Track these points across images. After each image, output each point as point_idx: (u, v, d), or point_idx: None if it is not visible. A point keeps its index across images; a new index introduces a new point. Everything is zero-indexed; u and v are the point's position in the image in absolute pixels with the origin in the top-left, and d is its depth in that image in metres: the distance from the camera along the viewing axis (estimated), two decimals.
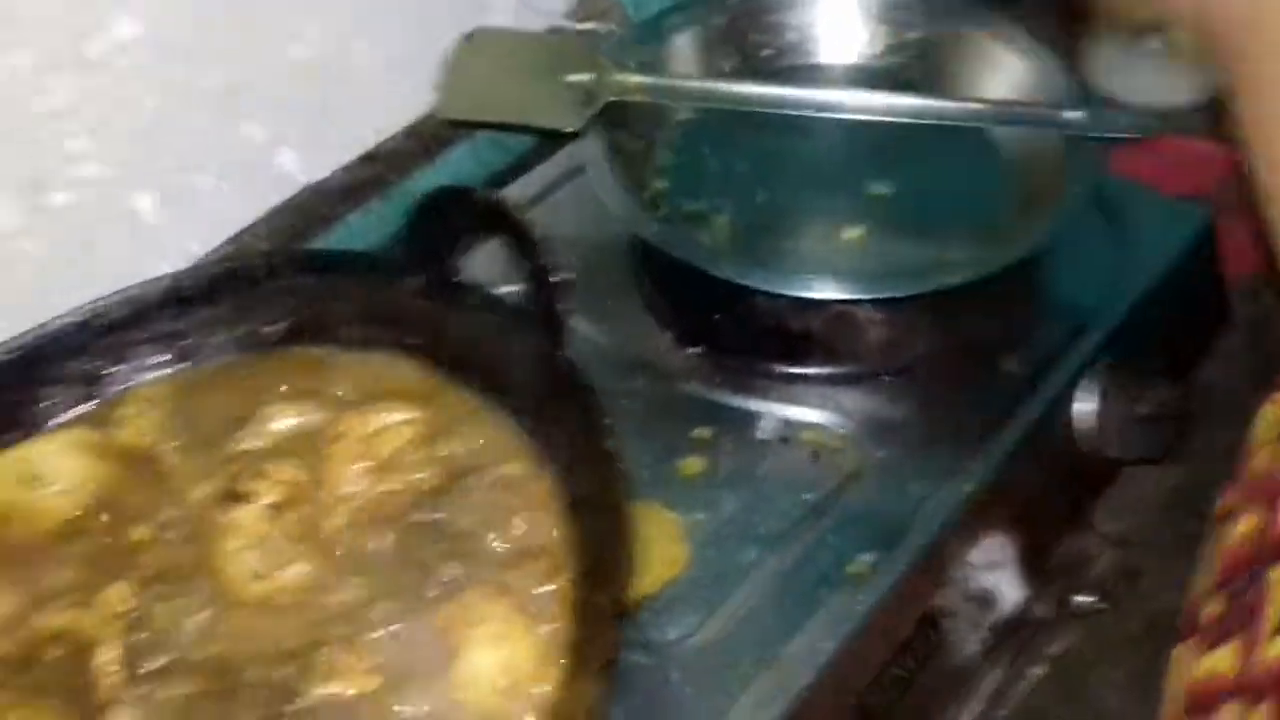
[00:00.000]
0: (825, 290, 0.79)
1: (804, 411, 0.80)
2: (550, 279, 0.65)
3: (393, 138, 1.06)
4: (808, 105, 0.91)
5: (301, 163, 1.02)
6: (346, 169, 1.05)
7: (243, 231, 1.00)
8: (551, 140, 0.99)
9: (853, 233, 0.87)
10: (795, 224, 0.89)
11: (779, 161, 0.94)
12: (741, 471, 0.79)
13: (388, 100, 1.05)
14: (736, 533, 0.73)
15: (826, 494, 0.75)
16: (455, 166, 1.04)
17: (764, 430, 0.79)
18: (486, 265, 0.74)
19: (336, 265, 0.77)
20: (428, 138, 1.06)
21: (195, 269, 0.72)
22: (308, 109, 1.00)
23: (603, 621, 0.53)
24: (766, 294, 0.80)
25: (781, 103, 0.92)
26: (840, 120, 0.91)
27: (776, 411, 0.80)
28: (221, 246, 0.99)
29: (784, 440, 0.79)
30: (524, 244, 0.68)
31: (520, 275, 0.67)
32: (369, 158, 1.06)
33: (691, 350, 0.83)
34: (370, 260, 0.81)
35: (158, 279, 0.73)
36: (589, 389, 0.63)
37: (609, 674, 0.52)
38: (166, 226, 0.94)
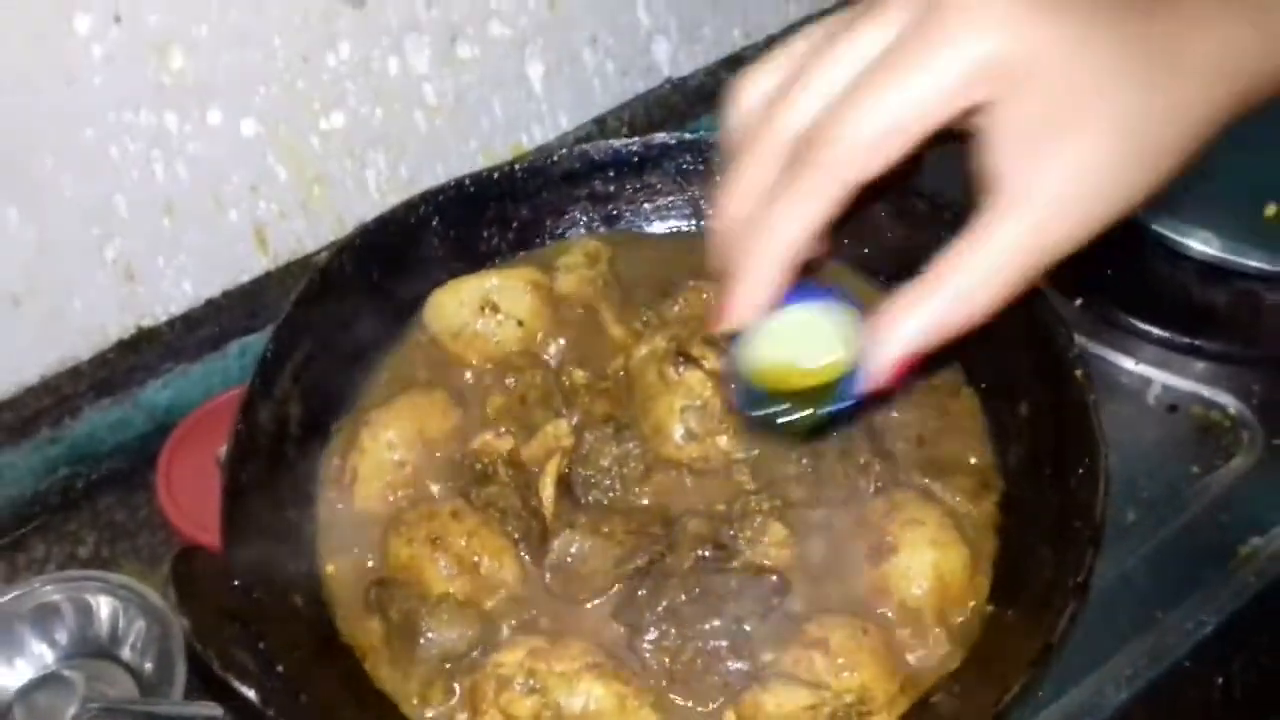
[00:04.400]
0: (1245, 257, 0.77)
1: (1194, 385, 0.78)
2: None
3: (756, 44, 1.07)
4: None
5: (670, 56, 1.04)
6: (709, 70, 1.06)
7: (606, 114, 1.03)
8: None
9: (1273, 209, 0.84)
10: (1217, 189, 0.79)
11: None
12: (1126, 433, 0.77)
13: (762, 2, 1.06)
14: (1120, 492, 0.72)
15: (1213, 470, 0.74)
16: None
17: (1151, 397, 0.78)
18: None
19: None
20: None
21: (644, 139, 0.73)
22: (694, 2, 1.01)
23: (1080, 545, 0.53)
24: (1170, 256, 0.78)
25: None
26: None
27: (1164, 379, 0.78)
28: (585, 125, 1.02)
29: (1171, 409, 0.77)
30: None
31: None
32: (733, 60, 1.07)
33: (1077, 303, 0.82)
34: None
35: (599, 143, 0.74)
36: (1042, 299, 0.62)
37: (1082, 595, 0.53)
38: (545, 97, 0.97)
